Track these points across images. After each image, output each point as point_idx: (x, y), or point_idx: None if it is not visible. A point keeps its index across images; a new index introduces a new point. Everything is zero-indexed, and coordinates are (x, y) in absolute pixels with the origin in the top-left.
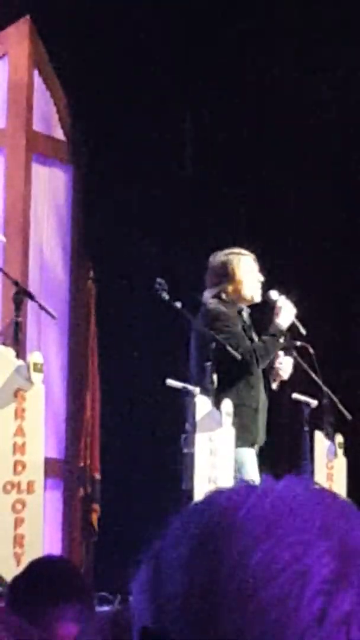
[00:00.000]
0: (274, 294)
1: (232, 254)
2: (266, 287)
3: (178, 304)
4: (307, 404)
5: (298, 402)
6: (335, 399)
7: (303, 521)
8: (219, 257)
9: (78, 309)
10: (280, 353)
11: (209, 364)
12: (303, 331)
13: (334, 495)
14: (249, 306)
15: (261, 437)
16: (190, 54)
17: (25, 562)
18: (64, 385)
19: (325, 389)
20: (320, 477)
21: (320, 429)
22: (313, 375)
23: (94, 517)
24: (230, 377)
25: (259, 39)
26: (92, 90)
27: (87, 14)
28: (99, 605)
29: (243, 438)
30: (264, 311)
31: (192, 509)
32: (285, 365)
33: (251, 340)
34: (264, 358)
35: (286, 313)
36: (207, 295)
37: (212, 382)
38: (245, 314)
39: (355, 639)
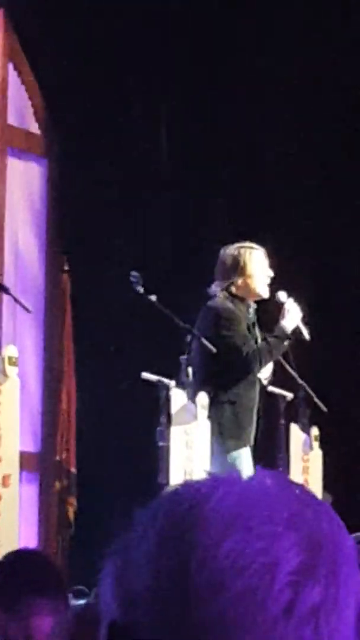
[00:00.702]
0: (282, 296)
1: (243, 248)
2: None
3: (153, 297)
4: (283, 397)
5: (274, 395)
6: (311, 392)
7: (271, 513)
8: (230, 250)
9: (53, 302)
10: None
11: (184, 357)
12: (307, 336)
13: (301, 488)
14: (255, 302)
15: (252, 435)
16: (164, 46)
17: (0, 555)
18: (39, 378)
19: (300, 382)
20: (295, 469)
21: (296, 421)
22: (289, 368)
23: (70, 511)
24: (231, 376)
25: (234, 27)
26: (67, 84)
27: (61, 7)
28: (74, 599)
29: (239, 437)
30: (267, 309)
31: (159, 502)
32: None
33: (255, 339)
34: (267, 360)
35: (292, 316)
36: (216, 289)
37: (187, 375)
38: (251, 310)
39: (323, 631)
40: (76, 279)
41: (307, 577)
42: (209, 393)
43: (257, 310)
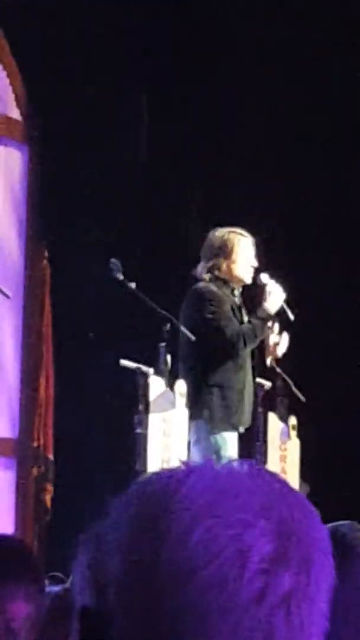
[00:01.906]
0: (264, 277)
1: (233, 233)
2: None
3: (132, 285)
4: (261, 386)
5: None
6: (290, 381)
7: (243, 501)
8: (219, 233)
9: (33, 289)
10: (275, 328)
11: (162, 344)
12: (291, 317)
13: (273, 476)
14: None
15: (247, 418)
16: (146, 35)
17: None
18: (17, 365)
19: (279, 371)
20: (273, 458)
21: (274, 410)
22: (267, 357)
23: (47, 497)
24: (217, 358)
25: (215, 19)
26: (49, 70)
27: None
28: (51, 585)
29: (226, 420)
30: (254, 293)
31: (132, 490)
32: (282, 342)
33: (241, 322)
34: (251, 340)
35: (275, 297)
36: (200, 270)
37: (166, 363)
38: (236, 292)
39: (294, 618)
40: (56, 266)
41: (278, 565)
42: (196, 378)
43: (242, 294)
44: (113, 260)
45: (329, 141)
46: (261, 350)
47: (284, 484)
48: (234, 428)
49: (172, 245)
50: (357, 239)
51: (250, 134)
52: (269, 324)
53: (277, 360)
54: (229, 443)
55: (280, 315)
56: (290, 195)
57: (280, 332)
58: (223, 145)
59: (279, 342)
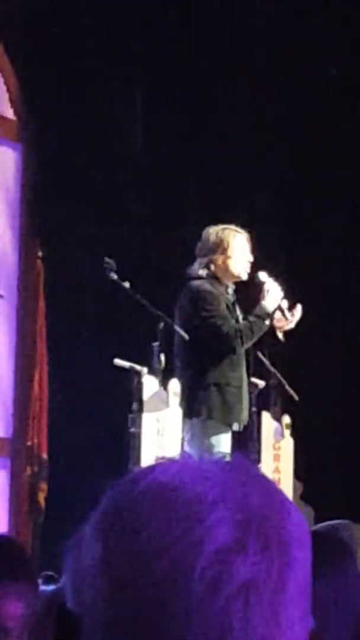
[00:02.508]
0: (263, 276)
1: (228, 230)
2: None
3: (126, 284)
4: (255, 385)
5: None
6: (283, 380)
7: (198, 492)
8: (214, 229)
9: (26, 288)
10: (284, 303)
11: (156, 344)
12: (288, 315)
13: (237, 464)
14: (234, 284)
15: (245, 416)
16: (140, 33)
17: None
18: (11, 363)
19: (273, 370)
20: (267, 457)
21: (268, 409)
22: (261, 356)
23: (41, 496)
24: (214, 357)
25: (210, 13)
26: (43, 69)
27: None
28: (44, 584)
29: (224, 418)
30: (248, 290)
31: (109, 488)
32: (296, 313)
33: (236, 319)
34: (248, 338)
35: (273, 296)
36: (196, 266)
37: (159, 362)
38: (230, 290)
39: (255, 608)
40: (50, 265)
41: (235, 553)
42: (194, 376)
43: (236, 292)
44: (107, 259)
45: (334, 135)
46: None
47: (244, 469)
48: (232, 426)
49: (167, 244)
50: (354, 236)
51: (248, 130)
52: (267, 322)
53: (286, 334)
54: (223, 441)
55: (276, 312)
56: (288, 192)
57: (290, 309)
58: (219, 144)
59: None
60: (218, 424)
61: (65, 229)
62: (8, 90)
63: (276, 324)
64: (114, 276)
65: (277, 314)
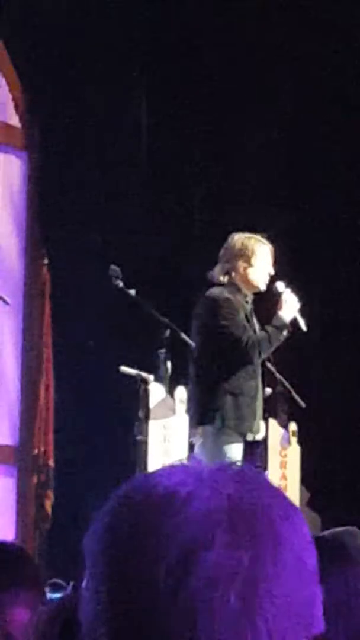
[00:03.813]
0: (280, 286)
1: (253, 239)
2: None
3: (132, 291)
4: (262, 392)
5: None
6: (290, 387)
7: (173, 489)
8: (240, 236)
9: (32, 295)
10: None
11: (162, 351)
12: (304, 327)
13: (231, 465)
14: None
15: (258, 425)
16: (144, 35)
17: None
18: (18, 371)
19: (279, 377)
20: (273, 464)
21: (274, 416)
22: (267, 363)
23: (48, 504)
24: (232, 366)
25: (212, 11)
26: (48, 77)
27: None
28: (51, 592)
29: (238, 427)
30: (264, 300)
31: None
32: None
33: (254, 330)
34: (266, 349)
35: (290, 306)
36: (217, 271)
37: (166, 370)
38: (249, 300)
39: (221, 605)
40: (55, 273)
41: (202, 550)
42: (209, 384)
43: (253, 301)
44: (113, 267)
45: (344, 140)
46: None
47: (248, 475)
48: (245, 435)
49: (172, 252)
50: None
51: (256, 136)
52: (284, 332)
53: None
54: (235, 452)
55: (293, 324)
56: (297, 200)
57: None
58: (225, 151)
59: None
60: (231, 433)
61: (71, 236)
62: (13, 98)
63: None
64: (120, 283)
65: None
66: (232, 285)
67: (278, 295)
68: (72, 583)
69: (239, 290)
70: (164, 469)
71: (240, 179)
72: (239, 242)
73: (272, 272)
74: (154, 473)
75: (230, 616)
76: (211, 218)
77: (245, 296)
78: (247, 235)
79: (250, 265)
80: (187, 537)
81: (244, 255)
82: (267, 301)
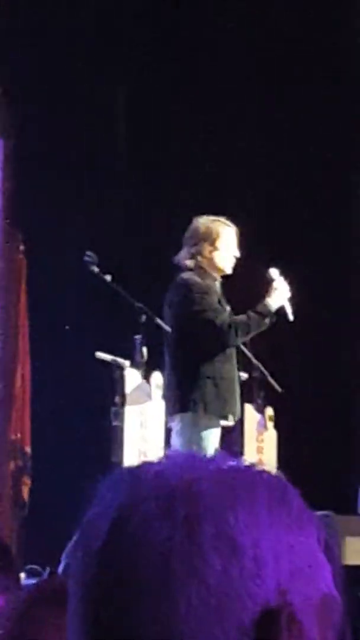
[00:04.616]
0: (274, 273)
1: (217, 222)
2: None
3: (108, 277)
4: (238, 377)
5: None
6: (266, 372)
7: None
8: (203, 220)
9: (8, 282)
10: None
11: (138, 337)
12: (290, 317)
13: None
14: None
15: (238, 407)
16: (122, 28)
17: None
18: None
19: (255, 362)
20: (250, 449)
21: (251, 402)
22: (244, 348)
23: (25, 490)
24: (207, 350)
25: (192, 9)
26: (23, 62)
27: None
28: (28, 578)
29: (219, 411)
30: (234, 285)
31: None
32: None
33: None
34: (243, 333)
35: (279, 295)
36: (183, 255)
37: (142, 355)
38: (218, 283)
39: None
40: (31, 259)
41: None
42: (187, 370)
43: (222, 285)
44: (88, 252)
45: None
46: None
47: (215, 462)
48: (227, 418)
49: (148, 237)
50: (338, 231)
51: (233, 125)
52: (267, 320)
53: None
54: (213, 435)
55: (279, 313)
56: (275, 189)
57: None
58: (205, 137)
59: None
60: (211, 417)
61: (47, 223)
62: None
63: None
64: (96, 269)
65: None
66: (200, 269)
67: (270, 281)
68: (48, 569)
69: (207, 273)
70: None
71: (223, 166)
72: (203, 226)
73: (238, 255)
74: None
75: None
76: (193, 203)
77: (215, 279)
78: (211, 218)
79: (215, 248)
80: (143, 512)
81: (209, 238)
82: (235, 288)
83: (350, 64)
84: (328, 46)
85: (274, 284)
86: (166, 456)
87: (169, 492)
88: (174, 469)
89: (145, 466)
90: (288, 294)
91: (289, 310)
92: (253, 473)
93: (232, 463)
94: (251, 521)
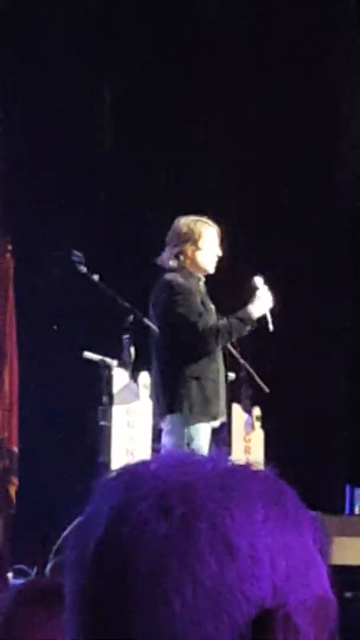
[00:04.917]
0: (258, 281)
1: (200, 222)
2: None
3: (95, 277)
4: (225, 377)
5: None
6: (253, 372)
7: (140, 472)
8: (185, 220)
9: None
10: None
11: (126, 336)
12: (271, 327)
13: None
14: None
15: (223, 409)
16: (108, 27)
17: None
18: None
19: (242, 362)
20: (237, 449)
21: (238, 401)
22: (231, 348)
23: (12, 490)
24: (190, 352)
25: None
26: (9, 62)
27: None
28: (15, 578)
29: (204, 411)
30: (220, 284)
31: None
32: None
33: (209, 311)
34: (225, 339)
35: (262, 304)
36: (165, 256)
37: (129, 355)
38: (201, 283)
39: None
40: (19, 259)
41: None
42: (173, 370)
43: (206, 284)
44: (76, 252)
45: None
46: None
47: (206, 459)
48: (213, 419)
49: (136, 237)
50: (323, 235)
51: (219, 125)
52: (248, 327)
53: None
54: (202, 434)
55: (260, 321)
56: (258, 188)
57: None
58: (190, 136)
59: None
60: (198, 417)
61: (35, 223)
62: None
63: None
64: (83, 269)
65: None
66: (183, 269)
67: (254, 289)
68: (36, 569)
69: (190, 274)
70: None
71: (208, 167)
72: (185, 226)
73: (220, 254)
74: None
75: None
76: (178, 203)
77: (199, 280)
78: (193, 218)
79: (197, 248)
80: (138, 512)
81: (191, 238)
82: (221, 286)
83: (350, 64)
84: (328, 46)
85: (258, 293)
86: (162, 455)
87: (165, 491)
88: (170, 469)
89: (141, 465)
90: (270, 304)
91: (269, 320)
92: (249, 472)
93: (228, 462)
94: (247, 521)
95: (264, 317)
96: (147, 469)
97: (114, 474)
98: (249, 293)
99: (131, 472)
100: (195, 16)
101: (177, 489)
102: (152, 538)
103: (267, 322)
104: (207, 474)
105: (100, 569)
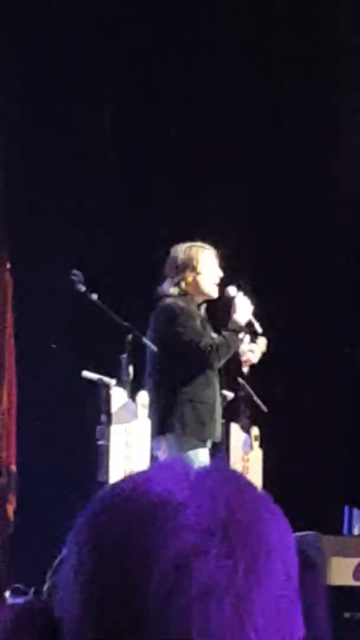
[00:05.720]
0: (232, 290)
1: (195, 247)
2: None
3: (94, 296)
4: (224, 396)
5: None
6: (252, 392)
7: (165, 497)
8: (181, 248)
9: None
10: (246, 338)
11: (124, 355)
12: (259, 329)
13: (215, 469)
14: (205, 302)
15: (218, 432)
16: (112, 35)
17: None
18: None
19: (241, 381)
20: (235, 469)
21: (236, 421)
22: (229, 368)
23: (10, 509)
24: (190, 372)
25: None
26: (11, 71)
27: None
28: (13, 597)
29: (198, 434)
30: (218, 307)
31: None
32: (255, 348)
33: (209, 336)
34: (225, 353)
35: (243, 309)
36: (167, 286)
37: (128, 374)
38: (202, 309)
39: (215, 615)
40: (18, 277)
41: (195, 559)
42: (167, 392)
43: (207, 310)
44: (75, 271)
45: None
46: (234, 360)
47: (229, 476)
48: (205, 442)
49: (135, 256)
50: (319, 249)
51: (222, 145)
52: (240, 335)
53: (252, 367)
54: (201, 457)
55: (249, 327)
56: (258, 208)
57: (252, 341)
58: (195, 158)
59: (253, 349)
60: (194, 440)
61: (34, 240)
62: None
63: (241, 358)
64: (82, 288)
65: (245, 347)
66: (185, 296)
67: (230, 299)
68: (33, 588)
69: (191, 298)
70: (152, 472)
71: (209, 186)
72: (182, 253)
73: (221, 275)
74: (142, 477)
75: (223, 626)
76: (178, 221)
77: (199, 305)
78: (188, 244)
79: (197, 273)
80: (180, 546)
81: (190, 265)
82: (220, 308)
83: (350, 64)
84: (328, 46)
85: (236, 301)
86: (149, 468)
87: (149, 504)
88: (156, 481)
89: (128, 479)
90: (251, 308)
91: (255, 322)
92: (236, 483)
93: (213, 471)
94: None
95: (250, 322)
96: (135, 481)
97: (102, 489)
98: (227, 305)
99: (118, 485)
100: (200, 15)
101: (162, 500)
102: (138, 549)
103: (255, 328)
104: (191, 485)
105: (94, 586)
